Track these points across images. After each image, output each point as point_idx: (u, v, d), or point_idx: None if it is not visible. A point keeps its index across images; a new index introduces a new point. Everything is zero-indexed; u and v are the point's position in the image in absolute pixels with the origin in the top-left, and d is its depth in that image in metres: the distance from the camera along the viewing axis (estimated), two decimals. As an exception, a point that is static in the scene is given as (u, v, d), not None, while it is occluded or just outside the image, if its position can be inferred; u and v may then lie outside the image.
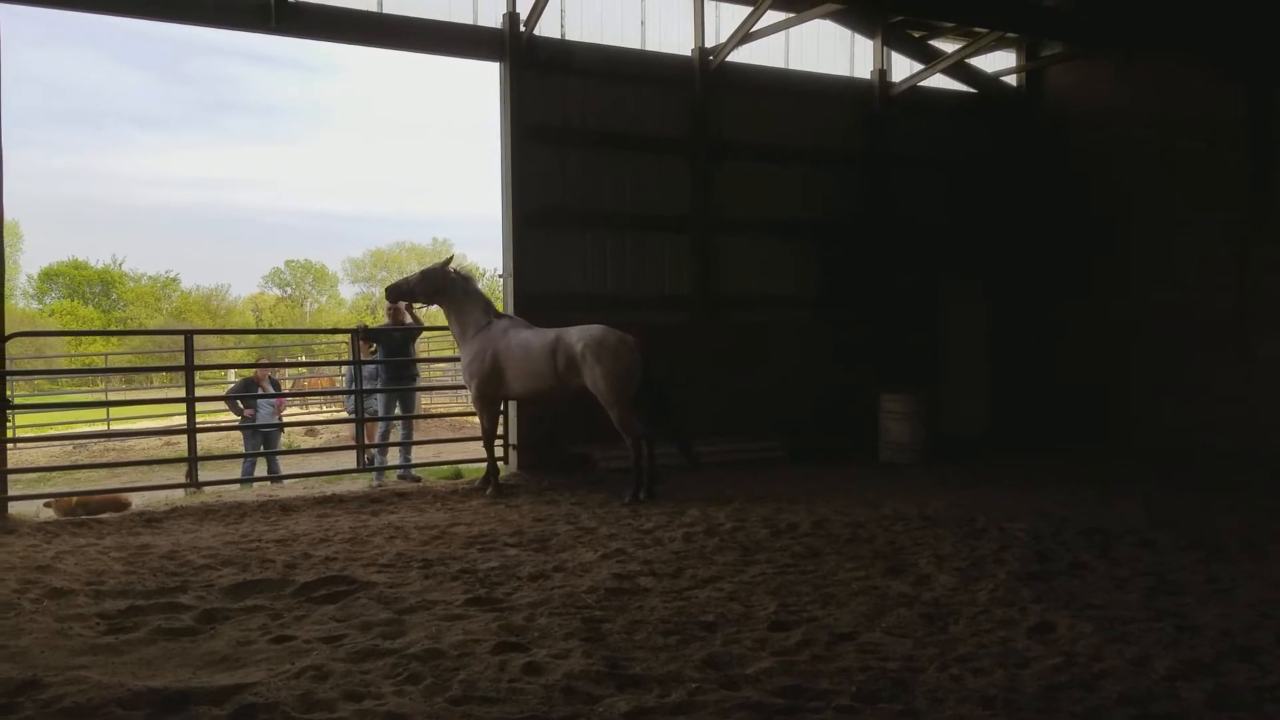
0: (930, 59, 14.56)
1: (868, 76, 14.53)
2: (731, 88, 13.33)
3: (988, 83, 15.40)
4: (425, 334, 14.18)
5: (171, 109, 78.78)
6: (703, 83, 13.07)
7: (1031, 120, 15.45)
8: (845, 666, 4.71)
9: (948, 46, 14.79)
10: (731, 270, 13.38)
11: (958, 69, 14.84)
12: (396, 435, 12.27)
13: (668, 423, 10.18)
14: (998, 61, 15.55)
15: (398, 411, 12.26)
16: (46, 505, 10.47)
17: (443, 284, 10.51)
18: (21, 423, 16.77)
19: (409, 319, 12.39)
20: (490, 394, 10.36)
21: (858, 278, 14.25)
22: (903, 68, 14.68)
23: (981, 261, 15.25)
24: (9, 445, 10.11)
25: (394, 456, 12.20)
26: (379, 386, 12.03)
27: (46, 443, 16.60)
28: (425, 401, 22.45)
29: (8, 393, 10.13)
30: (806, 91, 13.94)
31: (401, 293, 10.72)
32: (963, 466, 12.12)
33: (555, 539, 7.91)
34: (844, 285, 14.15)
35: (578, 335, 9.98)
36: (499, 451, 11.96)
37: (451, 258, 11.09)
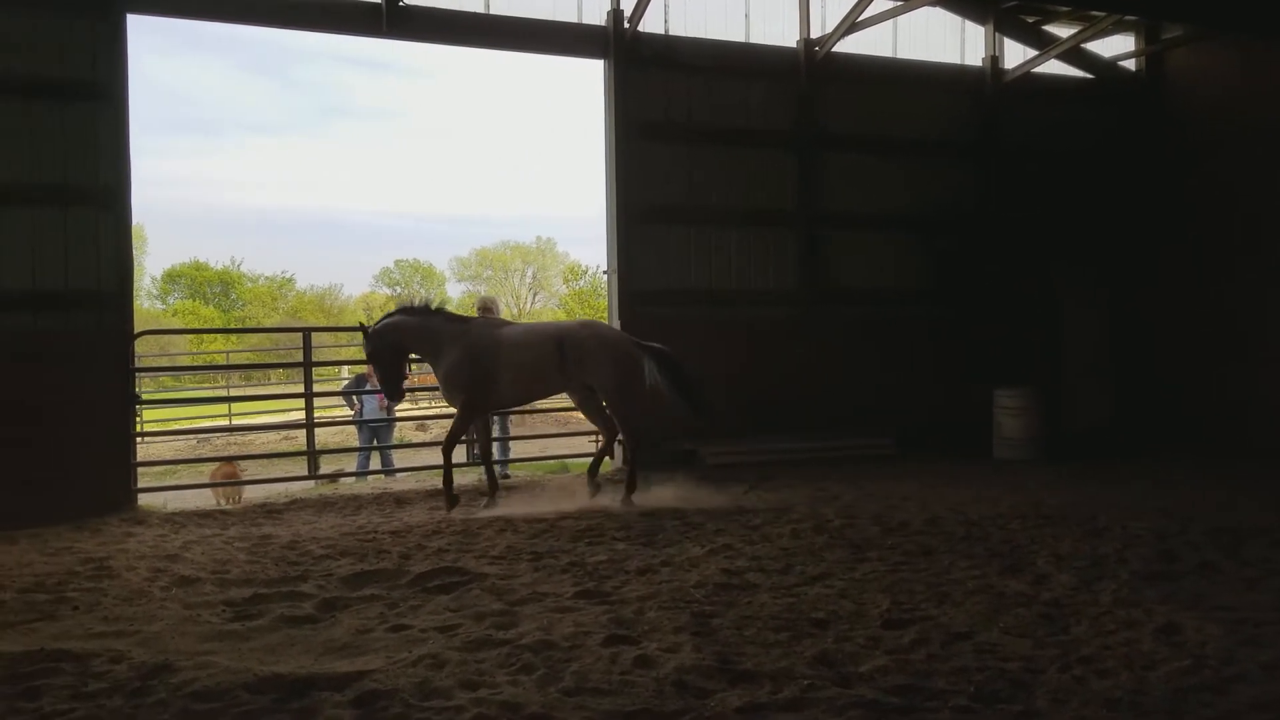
0: (1045, 44, 14.12)
1: (979, 64, 14.17)
2: (837, 79, 13.14)
3: (1106, 68, 14.86)
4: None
5: (283, 115, 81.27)
6: (808, 74, 12.92)
7: (1152, 106, 14.84)
8: (962, 666, 4.61)
9: (1063, 31, 14.31)
10: (838, 264, 13.21)
11: (1074, 54, 14.36)
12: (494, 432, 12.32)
13: (691, 402, 9.62)
14: (1116, 46, 14.99)
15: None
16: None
17: (399, 330, 9.46)
18: (148, 418, 17.50)
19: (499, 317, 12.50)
20: (483, 402, 9.45)
21: (970, 271, 13.90)
22: (1016, 54, 14.27)
23: (1100, 253, 14.70)
24: (137, 439, 10.57)
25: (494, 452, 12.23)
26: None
27: (172, 437, 17.28)
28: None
29: (135, 389, 10.61)
30: (915, 81, 13.66)
31: (379, 358, 9.55)
32: (1082, 463, 11.75)
33: (662, 534, 7.92)
34: (955, 279, 13.82)
35: (582, 328, 9.60)
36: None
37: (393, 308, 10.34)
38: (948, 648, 4.89)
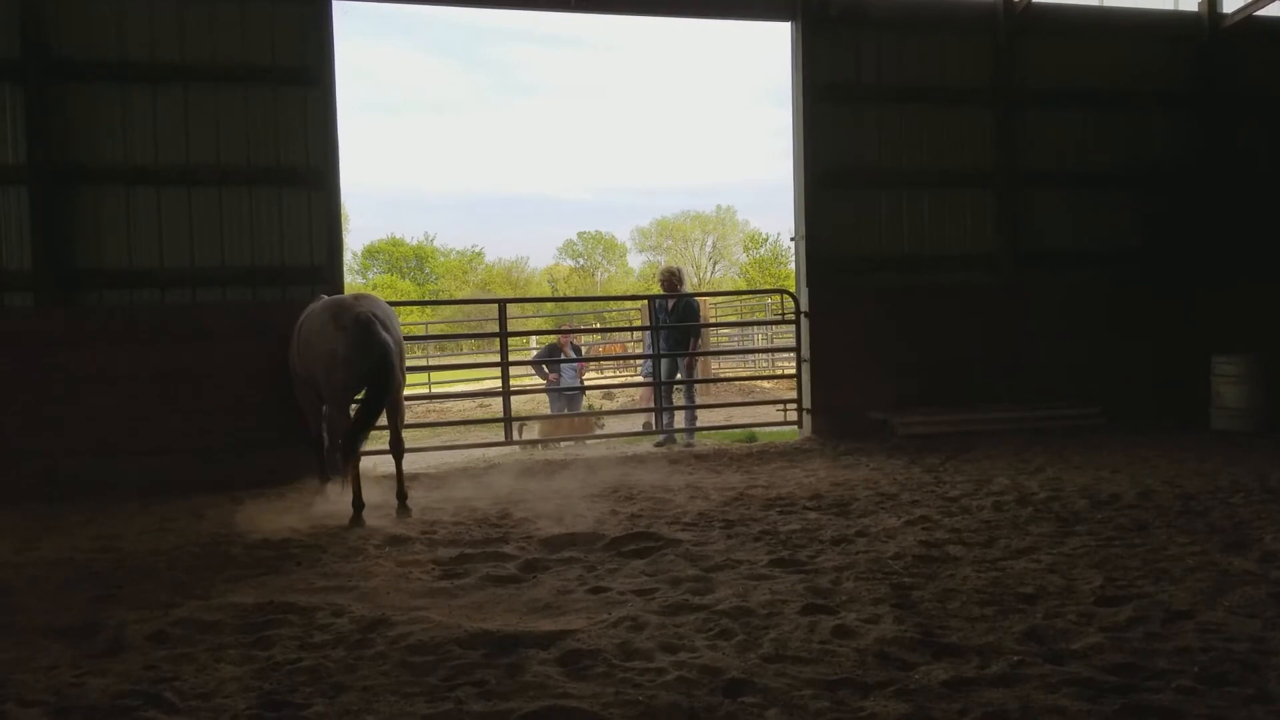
0: (1270, -17, 13.01)
1: (1195, 9, 13.17)
2: (1038, 30, 12.49)
3: (1342, 4, 13.57)
4: (711, 300, 14.24)
5: (466, 93, 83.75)
6: (1007, 26, 12.32)
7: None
8: (1185, 646, 4.34)
9: (1292, -33, 13.15)
10: (1040, 227, 12.60)
11: (1305, -9, 13.18)
12: (680, 401, 12.43)
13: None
14: (1355, -21, 13.67)
15: (678, 377, 12.38)
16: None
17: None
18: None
19: (684, 288, 12.52)
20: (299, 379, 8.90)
21: (1186, 230, 13.00)
22: (1237, -4, 13.21)
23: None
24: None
25: (681, 420, 12.40)
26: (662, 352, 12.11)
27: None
28: (715, 366, 22.73)
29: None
30: (1122, 30, 12.82)
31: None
32: (1312, 436, 10.87)
33: (855, 504, 7.79)
34: (1170, 239, 12.95)
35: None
36: (792, 415, 11.96)
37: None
38: (1168, 626, 4.62)
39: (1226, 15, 13.06)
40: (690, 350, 12.27)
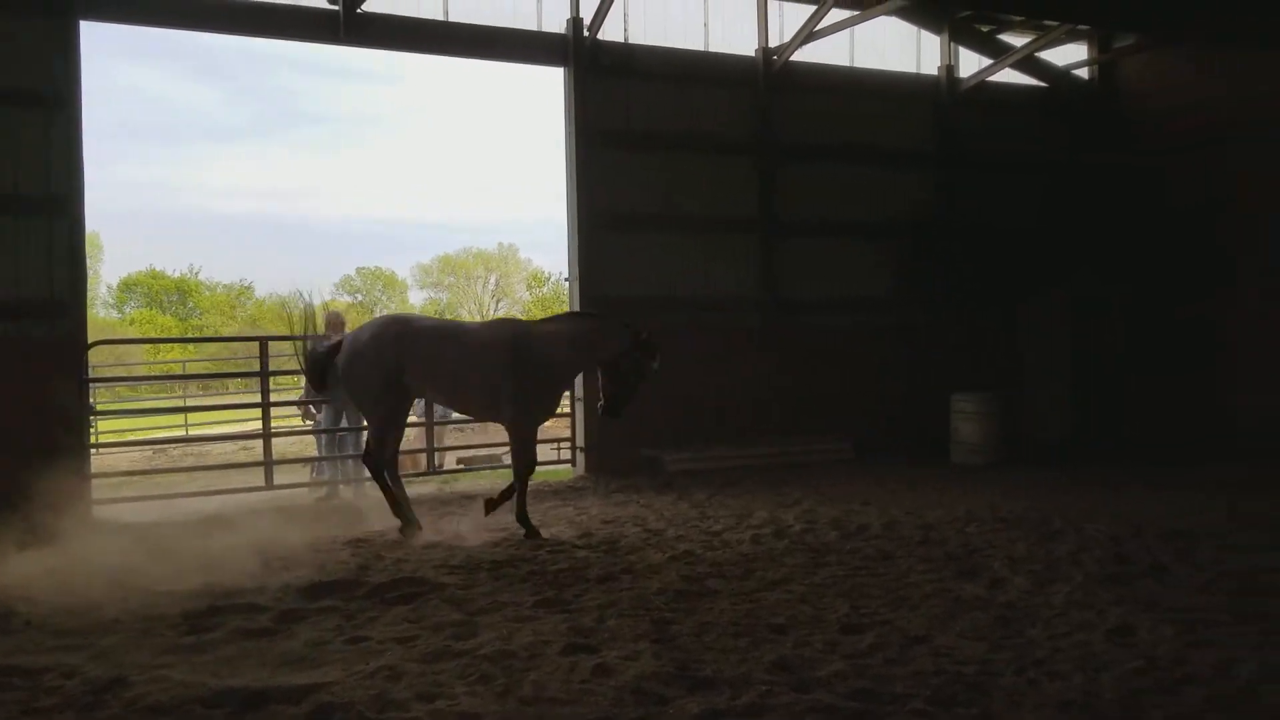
0: (999, 54, 14.30)
1: (935, 73, 14.32)
2: (796, 88, 13.23)
3: (1059, 77, 15.07)
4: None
5: (241, 121, 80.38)
6: (767, 83, 13.00)
7: (1107, 114, 15.07)
8: (919, 670, 4.65)
9: (1017, 40, 14.50)
10: (800, 272, 13.27)
11: (1028, 63, 14.55)
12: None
13: None
14: (1069, 55, 15.21)
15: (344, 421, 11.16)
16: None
17: None
18: (104, 428, 17.23)
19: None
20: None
21: (930, 280, 14.02)
22: (971, 63, 14.44)
23: (1061, 261, 14.82)
24: (92, 450, 10.39)
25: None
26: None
27: (128, 448, 17.02)
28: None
29: (91, 399, 10.43)
30: (872, 90, 13.78)
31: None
32: (1039, 469, 11.87)
33: (624, 541, 7.92)
34: (915, 286, 13.94)
35: None
36: (565, 453, 12.03)
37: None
38: (905, 651, 4.93)
39: (962, 80, 14.27)
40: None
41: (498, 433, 16.99)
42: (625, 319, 8.92)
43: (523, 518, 8.28)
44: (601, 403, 8.49)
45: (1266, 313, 13.11)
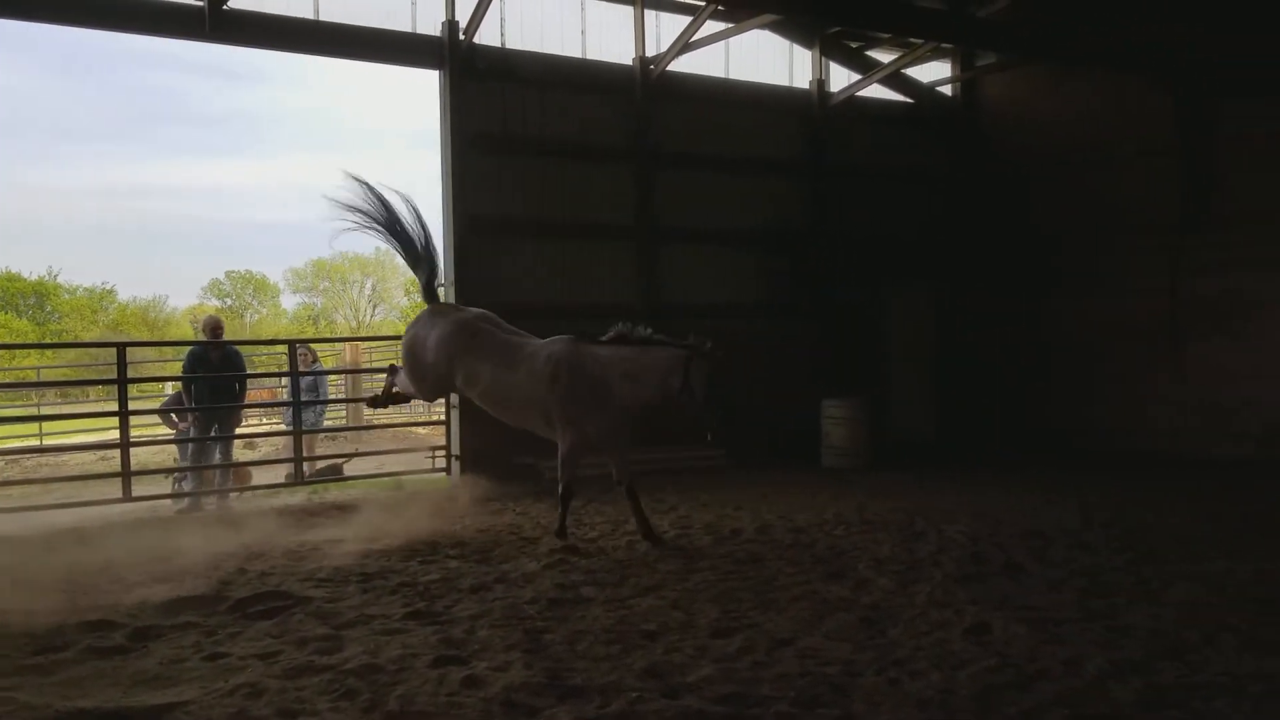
0: (868, 69, 14.72)
1: (806, 87, 14.66)
2: (673, 97, 13.37)
3: (924, 93, 15.61)
4: (366, 345, 13.71)
5: (100, 119, 76.90)
6: (644, 92, 13.10)
7: (969, 129, 15.68)
8: (785, 672, 4.73)
9: (884, 57, 14.96)
10: (676, 279, 13.41)
11: (895, 79, 15.02)
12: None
13: None
14: (934, 72, 15.78)
15: (214, 430, 11.09)
16: None
17: None
18: (-50, 439, 16.31)
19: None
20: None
21: (802, 286, 14.34)
22: (841, 78, 14.83)
23: (925, 270, 15.40)
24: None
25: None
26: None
27: (-24, 459, 16.15)
28: (369, 413, 22.17)
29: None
30: (747, 101, 14.03)
31: None
32: (906, 471, 12.23)
33: (498, 549, 7.87)
34: (788, 294, 14.23)
35: None
36: (440, 461, 11.89)
37: None
38: (772, 654, 5.02)
39: (833, 94, 14.63)
40: (238, 403, 11.43)
41: (359, 442, 16.72)
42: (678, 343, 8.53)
43: (561, 532, 8.20)
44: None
45: (1103, 325, 13.96)
